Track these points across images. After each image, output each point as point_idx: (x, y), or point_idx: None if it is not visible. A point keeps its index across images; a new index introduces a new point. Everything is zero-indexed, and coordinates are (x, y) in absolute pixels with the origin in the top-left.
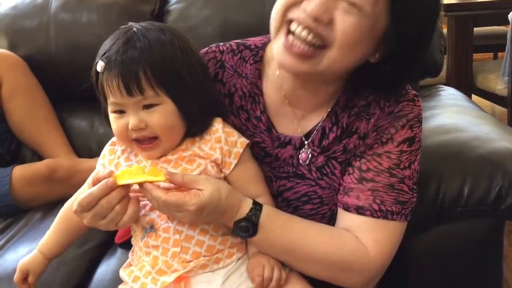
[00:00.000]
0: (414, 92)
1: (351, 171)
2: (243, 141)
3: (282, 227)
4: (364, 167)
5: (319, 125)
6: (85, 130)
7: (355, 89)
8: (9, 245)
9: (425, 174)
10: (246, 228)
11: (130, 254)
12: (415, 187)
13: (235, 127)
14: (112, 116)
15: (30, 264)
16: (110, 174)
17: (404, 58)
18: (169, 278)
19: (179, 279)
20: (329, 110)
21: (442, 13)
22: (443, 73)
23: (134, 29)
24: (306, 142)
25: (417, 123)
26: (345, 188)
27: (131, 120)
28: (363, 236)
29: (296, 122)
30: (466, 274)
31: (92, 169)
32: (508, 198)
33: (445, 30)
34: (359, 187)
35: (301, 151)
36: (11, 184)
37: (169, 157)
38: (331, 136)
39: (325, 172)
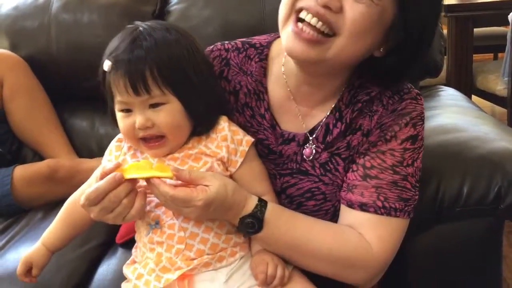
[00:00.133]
0: (416, 90)
1: (355, 168)
2: (248, 139)
3: (286, 224)
4: (368, 165)
5: (323, 121)
6: (85, 130)
7: (358, 83)
8: (10, 244)
9: (424, 173)
10: (252, 224)
11: (133, 250)
12: (417, 184)
13: (239, 124)
14: (119, 115)
15: (34, 256)
16: (118, 166)
17: (409, 50)
18: (173, 276)
19: (182, 277)
20: (332, 106)
21: (442, 13)
22: (443, 73)
23: (141, 28)
24: (310, 138)
25: (420, 121)
26: (349, 185)
27: (138, 119)
28: (366, 232)
29: (300, 118)
30: (465, 273)
31: (93, 169)
32: (507, 198)
33: (445, 31)
34: (363, 184)
35: (305, 147)
36: (12, 184)
37: (176, 155)
38: (335, 131)
39: (328, 168)
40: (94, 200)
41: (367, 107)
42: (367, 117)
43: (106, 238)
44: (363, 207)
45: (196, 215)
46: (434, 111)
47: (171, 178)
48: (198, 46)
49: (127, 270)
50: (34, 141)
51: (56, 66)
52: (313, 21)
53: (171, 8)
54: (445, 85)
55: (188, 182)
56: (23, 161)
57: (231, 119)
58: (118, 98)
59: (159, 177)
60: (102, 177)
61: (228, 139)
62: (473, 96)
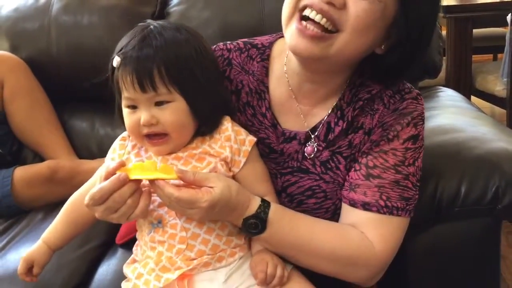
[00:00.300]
0: (417, 91)
1: (357, 168)
2: (251, 139)
3: (289, 224)
4: (370, 164)
5: (325, 119)
6: (85, 131)
7: (359, 82)
8: (11, 245)
9: (423, 173)
10: (255, 225)
11: (134, 248)
12: (418, 184)
13: (241, 123)
14: (125, 111)
15: (35, 254)
16: (122, 164)
17: (410, 48)
18: (173, 275)
19: (182, 277)
20: (334, 105)
21: (441, 14)
22: (443, 74)
23: (151, 27)
24: (312, 136)
25: (421, 121)
26: (351, 184)
27: (143, 115)
28: (368, 231)
29: (302, 117)
30: (463, 273)
31: (93, 170)
32: (505, 198)
33: (444, 32)
34: (366, 183)
35: (307, 144)
36: (13, 185)
37: (180, 154)
38: (337, 129)
39: (329, 166)
40: (99, 200)
41: (368, 105)
42: (368, 116)
43: (106, 239)
44: (365, 206)
45: (200, 216)
46: (433, 112)
47: (175, 179)
48: (207, 46)
49: (127, 270)
50: (34, 142)
51: (56, 68)
52: (317, 17)
53: (170, 10)
54: (444, 86)
55: (192, 184)
56: (24, 162)
57: (234, 119)
58: (125, 94)
59: (163, 179)
60: (106, 177)
61: (232, 139)
62: (472, 97)
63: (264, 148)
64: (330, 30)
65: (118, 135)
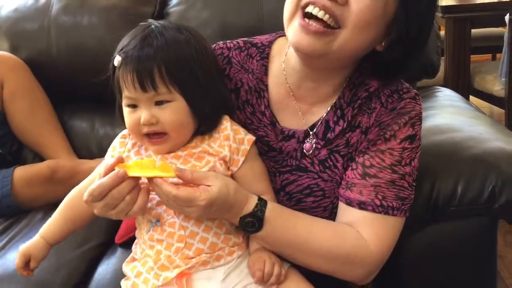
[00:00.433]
0: (415, 90)
1: (354, 167)
2: (249, 138)
3: (286, 222)
4: (367, 163)
5: (323, 117)
6: (85, 131)
7: (359, 82)
8: (11, 244)
9: (419, 173)
10: (252, 223)
11: (133, 247)
12: (414, 183)
13: (240, 121)
14: (126, 110)
15: (32, 249)
16: (120, 160)
17: (409, 45)
18: (171, 274)
19: (181, 275)
20: (332, 103)
21: (440, 14)
22: (441, 74)
23: (153, 26)
24: (311, 133)
25: (418, 121)
26: (348, 183)
27: (143, 114)
28: (364, 230)
29: (301, 115)
30: (460, 272)
31: (93, 169)
32: (501, 197)
33: (442, 32)
34: (362, 182)
35: (306, 141)
36: (12, 185)
37: (179, 153)
38: (338, 129)
39: (327, 165)
40: (98, 196)
41: (366, 104)
42: (365, 115)
43: (105, 238)
44: (361, 206)
45: (198, 214)
46: (431, 112)
47: (173, 178)
48: (208, 46)
49: (126, 268)
50: (34, 142)
51: (56, 68)
52: (320, 14)
53: (170, 10)
54: (442, 85)
55: (190, 182)
56: (24, 162)
57: (233, 118)
58: (125, 93)
59: (162, 177)
60: (106, 173)
61: (231, 138)
62: (471, 97)
63: (263, 146)
64: (332, 26)
65: (118, 134)
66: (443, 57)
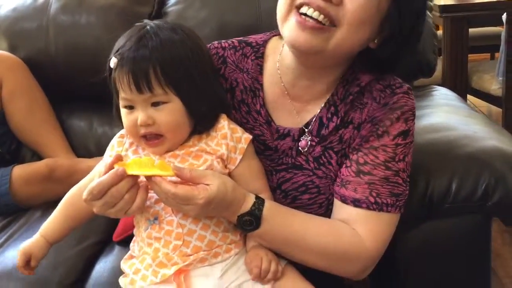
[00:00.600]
0: (408, 85)
1: (348, 164)
2: (247, 136)
3: (283, 220)
4: (361, 161)
5: (317, 115)
6: (83, 130)
7: (352, 78)
8: (9, 242)
9: (414, 171)
10: (250, 222)
11: (131, 244)
12: (408, 179)
13: (236, 120)
14: (123, 111)
15: (33, 248)
16: (119, 158)
17: (402, 41)
18: (169, 271)
19: (178, 272)
20: (326, 100)
21: (438, 14)
22: (439, 73)
23: (148, 27)
24: (306, 130)
25: (411, 116)
26: (342, 180)
27: (140, 116)
28: (359, 227)
29: (295, 113)
30: (454, 269)
31: (91, 168)
32: (495, 195)
33: (440, 32)
34: (357, 180)
35: (301, 138)
36: (11, 183)
37: (177, 152)
38: (331, 125)
39: (322, 162)
40: (97, 194)
41: (358, 99)
42: (358, 110)
43: (103, 236)
44: (356, 203)
45: (196, 212)
46: (426, 110)
47: (172, 176)
48: (203, 46)
49: (124, 265)
50: (33, 141)
51: (54, 67)
52: (315, 14)
53: (168, 10)
54: (440, 85)
55: (188, 181)
56: (22, 161)
57: (229, 116)
58: (122, 94)
59: (160, 175)
60: (105, 172)
61: (228, 137)
62: (469, 96)
63: (259, 145)
64: (328, 25)
65: (116, 134)
66: (440, 57)
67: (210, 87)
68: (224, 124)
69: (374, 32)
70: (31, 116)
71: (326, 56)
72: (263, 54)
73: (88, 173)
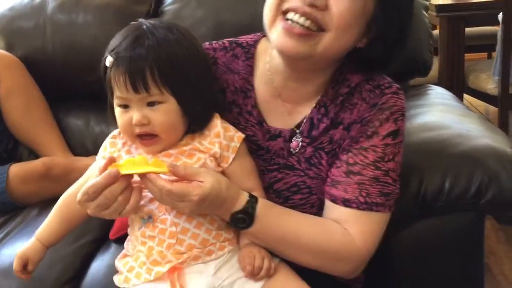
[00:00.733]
0: (397, 85)
1: (339, 165)
2: (239, 135)
3: (276, 219)
4: (351, 161)
5: (308, 116)
6: (80, 129)
7: (341, 78)
8: (6, 241)
9: (407, 170)
10: (243, 219)
11: (125, 243)
12: (398, 178)
13: (227, 121)
14: (117, 110)
15: (29, 252)
16: (112, 160)
17: (390, 40)
18: (163, 269)
19: (172, 270)
20: (316, 101)
21: (434, 13)
22: (435, 73)
23: (144, 26)
24: (297, 131)
25: (401, 116)
26: (333, 180)
27: (135, 115)
28: (350, 226)
29: (286, 114)
30: (448, 267)
31: (88, 167)
32: (488, 193)
33: (437, 31)
34: (347, 180)
35: (292, 140)
36: (8, 182)
37: (170, 151)
38: (322, 126)
39: (313, 162)
40: (91, 196)
41: (348, 100)
42: (347, 111)
43: (99, 234)
44: (346, 203)
45: (190, 209)
46: (421, 109)
47: (166, 174)
48: (199, 46)
49: (119, 263)
50: (29, 139)
51: (51, 66)
52: (301, 20)
53: (165, 9)
54: (436, 84)
55: (183, 178)
56: (19, 160)
57: (222, 115)
58: (117, 93)
59: (155, 173)
60: (99, 174)
61: (221, 135)
62: (465, 95)
63: (251, 146)
64: (314, 30)
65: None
66: (437, 56)
67: (206, 86)
68: (217, 123)
69: (361, 33)
70: (28, 115)
71: (314, 60)
72: (253, 55)
73: (85, 171)
